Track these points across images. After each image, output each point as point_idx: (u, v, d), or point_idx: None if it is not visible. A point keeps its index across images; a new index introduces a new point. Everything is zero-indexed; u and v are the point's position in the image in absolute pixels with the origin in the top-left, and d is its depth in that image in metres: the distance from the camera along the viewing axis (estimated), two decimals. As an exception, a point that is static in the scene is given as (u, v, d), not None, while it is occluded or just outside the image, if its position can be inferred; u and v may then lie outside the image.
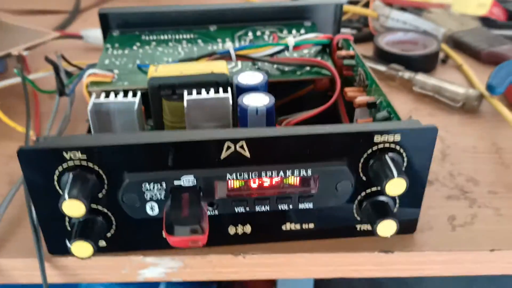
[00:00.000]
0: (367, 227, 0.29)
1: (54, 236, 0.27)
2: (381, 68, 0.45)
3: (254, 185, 0.26)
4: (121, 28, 0.41)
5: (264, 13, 0.42)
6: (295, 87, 0.38)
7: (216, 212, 0.27)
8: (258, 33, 0.40)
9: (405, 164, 0.26)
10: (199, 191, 0.25)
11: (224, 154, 0.25)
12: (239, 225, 0.28)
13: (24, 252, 0.28)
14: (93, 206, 0.26)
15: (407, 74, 0.44)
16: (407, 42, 0.50)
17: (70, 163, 0.24)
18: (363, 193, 0.27)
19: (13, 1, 0.62)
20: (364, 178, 0.27)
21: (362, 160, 0.26)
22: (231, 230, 0.28)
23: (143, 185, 0.25)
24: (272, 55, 0.35)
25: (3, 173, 0.34)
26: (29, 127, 0.34)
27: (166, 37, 0.40)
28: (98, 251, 0.26)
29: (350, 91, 0.33)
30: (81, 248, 0.25)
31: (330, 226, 0.28)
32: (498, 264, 0.29)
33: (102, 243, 0.28)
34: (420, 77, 0.43)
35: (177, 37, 0.40)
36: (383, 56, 0.47)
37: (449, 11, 0.56)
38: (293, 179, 0.26)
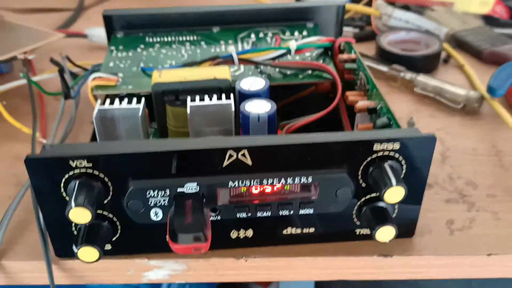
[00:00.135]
0: (366, 231, 0.29)
1: (61, 240, 0.28)
2: (383, 68, 0.46)
3: (255, 191, 0.27)
4: (125, 30, 0.41)
5: (266, 14, 0.42)
6: (297, 89, 0.38)
7: (219, 218, 0.27)
8: (261, 35, 0.41)
9: (404, 171, 0.27)
10: (202, 198, 0.26)
11: (226, 162, 0.26)
12: (241, 229, 0.28)
13: (32, 255, 0.29)
14: (99, 211, 0.27)
15: (408, 75, 0.44)
16: (409, 41, 0.50)
17: (76, 171, 0.25)
18: (362, 199, 0.28)
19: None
20: (363, 185, 0.27)
21: (361, 168, 0.26)
22: (233, 234, 0.29)
23: (147, 192, 0.26)
24: (274, 58, 0.36)
25: (10, 174, 0.35)
26: (35, 130, 0.34)
27: (169, 39, 0.40)
28: (104, 254, 0.26)
29: (351, 95, 0.34)
30: (87, 253, 0.26)
31: (330, 230, 0.29)
32: (495, 268, 0.29)
33: (108, 246, 0.28)
34: (422, 78, 0.43)
35: (180, 39, 0.40)
36: (385, 56, 0.47)
37: (452, 9, 0.56)
38: (294, 186, 0.27)
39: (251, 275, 0.29)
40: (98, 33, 0.52)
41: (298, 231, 0.29)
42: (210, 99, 0.30)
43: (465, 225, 0.30)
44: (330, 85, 0.36)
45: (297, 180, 0.26)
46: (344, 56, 0.36)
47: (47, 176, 0.25)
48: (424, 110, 0.42)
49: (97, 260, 0.26)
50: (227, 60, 0.35)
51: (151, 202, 0.26)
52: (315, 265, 0.29)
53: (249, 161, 0.26)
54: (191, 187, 0.26)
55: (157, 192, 0.26)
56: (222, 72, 0.32)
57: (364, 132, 0.27)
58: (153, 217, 0.27)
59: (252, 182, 0.26)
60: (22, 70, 0.36)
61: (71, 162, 0.25)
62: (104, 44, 0.45)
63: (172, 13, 0.41)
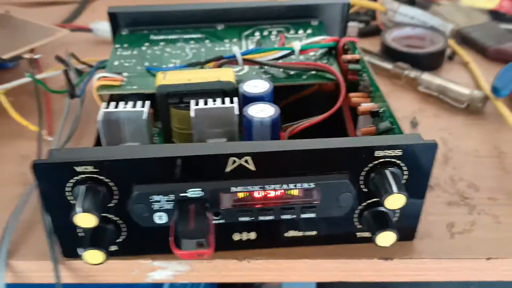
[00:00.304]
0: (367, 234, 0.30)
1: (68, 241, 0.28)
2: (387, 66, 0.46)
3: (258, 196, 0.27)
4: (129, 27, 0.41)
5: (271, 11, 0.42)
6: (301, 88, 0.38)
7: (222, 221, 0.28)
8: (265, 33, 0.41)
9: (405, 177, 0.27)
10: (205, 203, 0.26)
11: (229, 168, 0.26)
12: (244, 232, 0.29)
13: (39, 254, 0.29)
14: (104, 214, 0.27)
15: (413, 73, 0.44)
16: (414, 37, 0.50)
17: (82, 176, 0.25)
18: (364, 203, 0.28)
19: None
20: (365, 190, 0.27)
21: (363, 173, 0.27)
22: (236, 236, 0.29)
23: (151, 197, 0.26)
24: (278, 59, 0.36)
25: (17, 173, 0.36)
26: (41, 131, 0.34)
27: (174, 36, 0.40)
28: (109, 255, 0.27)
29: (354, 97, 0.34)
30: (93, 255, 0.26)
31: (331, 233, 0.29)
32: (494, 272, 0.30)
33: (113, 247, 0.29)
34: (426, 76, 0.43)
35: (184, 36, 0.40)
36: (389, 52, 0.47)
37: (458, 3, 0.55)
38: (296, 191, 0.27)
39: (254, 276, 0.30)
40: (103, 27, 0.52)
41: (300, 234, 0.29)
42: (214, 102, 0.30)
43: (465, 229, 0.31)
44: (334, 84, 0.37)
45: (299, 185, 0.27)
46: (348, 56, 0.36)
47: (53, 180, 0.26)
48: (428, 109, 0.42)
49: (102, 262, 0.26)
50: (231, 60, 0.35)
51: (155, 206, 0.26)
52: (316, 267, 0.29)
53: (252, 167, 0.26)
54: (194, 192, 0.26)
55: (161, 197, 0.26)
56: (226, 75, 0.32)
57: (366, 139, 0.27)
58: (157, 220, 0.27)
59: (255, 187, 0.26)
60: (28, 69, 0.36)
61: (76, 168, 0.25)
62: (109, 38, 0.45)
63: (177, 10, 0.41)
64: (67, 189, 0.26)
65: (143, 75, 0.36)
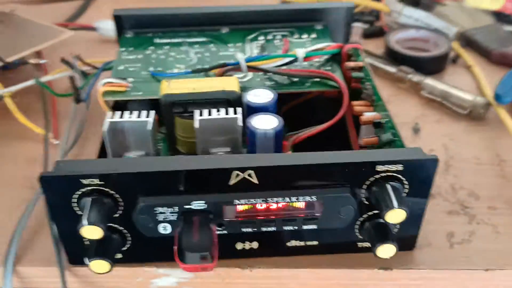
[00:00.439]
0: (367, 244, 0.30)
1: (74, 249, 0.29)
2: (391, 69, 0.46)
3: (261, 208, 0.27)
4: (134, 29, 0.42)
5: (276, 15, 0.42)
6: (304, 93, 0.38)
7: (225, 232, 0.28)
8: (269, 37, 0.41)
9: (406, 190, 0.27)
10: (209, 214, 0.27)
11: (233, 181, 0.26)
12: (247, 242, 0.29)
13: (45, 260, 0.30)
14: (109, 224, 0.28)
15: (416, 77, 0.44)
16: (418, 39, 0.50)
17: (88, 188, 0.26)
18: (365, 215, 0.29)
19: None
20: (366, 202, 0.28)
21: (364, 187, 0.27)
22: (239, 245, 0.30)
23: (156, 209, 0.27)
24: (282, 65, 0.36)
25: (23, 177, 0.36)
26: (48, 136, 0.35)
27: (178, 40, 0.41)
28: (115, 262, 0.28)
29: (357, 105, 0.34)
30: (99, 265, 0.27)
31: (332, 242, 0.30)
32: (492, 282, 0.30)
33: (118, 255, 0.29)
34: (429, 81, 0.43)
35: (189, 40, 0.41)
36: (393, 55, 0.47)
37: (462, 4, 0.55)
38: (299, 204, 0.27)
39: (256, 284, 0.30)
40: (108, 26, 0.52)
41: (302, 243, 0.30)
42: (218, 111, 0.30)
43: (464, 239, 0.31)
44: (337, 93, 0.37)
45: (301, 198, 0.27)
46: (351, 64, 0.36)
47: (59, 192, 0.26)
48: (431, 114, 0.42)
49: (108, 272, 0.27)
50: (235, 67, 0.35)
51: (159, 218, 0.27)
52: (317, 276, 0.30)
53: (255, 180, 0.26)
54: (198, 205, 0.27)
55: (166, 209, 0.27)
56: (231, 84, 0.32)
57: (368, 153, 0.27)
58: (161, 231, 0.28)
59: (257, 200, 0.27)
60: (33, 70, 0.37)
61: (83, 180, 0.26)
62: (114, 37, 0.46)
63: (182, 13, 0.42)
64: (73, 200, 0.26)
65: (148, 80, 0.36)
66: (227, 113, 0.30)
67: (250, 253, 0.30)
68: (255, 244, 0.30)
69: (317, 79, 0.36)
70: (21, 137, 0.40)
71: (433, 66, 0.46)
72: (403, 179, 0.27)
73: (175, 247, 0.26)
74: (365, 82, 0.35)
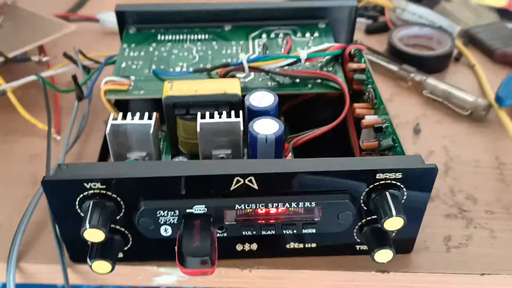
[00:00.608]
0: (365, 247, 0.31)
1: (76, 249, 0.29)
2: (393, 68, 0.46)
3: (261, 212, 0.28)
4: (137, 24, 0.42)
5: (279, 12, 0.42)
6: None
7: (225, 235, 0.29)
8: (272, 35, 0.41)
9: (404, 197, 0.28)
10: (210, 218, 0.27)
11: (233, 186, 0.27)
12: (246, 243, 0.30)
13: (48, 257, 0.31)
14: (111, 225, 0.28)
15: (418, 77, 0.44)
16: (422, 37, 0.50)
17: (90, 192, 0.26)
18: (363, 220, 0.29)
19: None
20: (365, 208, 0.28)
21: (364, 194, 0.28)
22: (239, 247, 0.30)
23: (157, 212, 0.27)
24: (285, 66, 0.36)
25: (27, 173, 0.36)
26: (50, 134, 0.35)
27: (181, 37, 0.41)
28: (116, 261, 0.28)
29: (358, 108, 0.34)
30: (100, 265, 0.27)
31: (331, 245, 0.30)
32: (488, 286, 0.30)
33: (120, 254, 0.30)
34: (431, 81, 0.43)
35: (192, 37, 0.41)
36: (396, 53, 0.47)
37: (467, 0, 0.55)
38: (298, 209, 0.28)
39: (255, 284, 0.31)
40: (110, 18, 0.52)
41: (301, 245, 0.30)
42: (220, 114, 0.31)
43: (461, 243, 0.32)
44: (339, 94, 0.37)
45: (301, 204, 0.27)
46: (354, 65, 0.36)
47: (62, 195, 0.26)
48: (432, 114, 0.42)
49: (110, 272, 0.28)
50: (238, 67, 0.35)
51: (161, 220, 0.27)
52: (315, 277, 0.30)
53: (255, 186, 0.27)
54: (199, 209, 0.27)
55: (167, 212, 0.27)
56: (232, 86, 0.32)
57: (368, 161, 0.27)
58: (163, 233, 0.28)
59: (258, 205, 0.27)
60: (36, 69, 0.37)
61: (85, 184, 0.26)
62: (116, 29, 0.45)
63: (185, 10, 0.41)
64: (76, 203, 0.27)
65: (150, 78, 0.36)
66: (228, 116, 0.30)
67: (249, 254, 0.30)
68: (254, 246, 0.30)
69: (319, 80, 0.36)
70: (24, 132, 0.40)
71: (436, 64, 0.46)
72: (402, 186, 0.27)
73: (176, 248, 0.26)
74: (367, 84, 0.35)
